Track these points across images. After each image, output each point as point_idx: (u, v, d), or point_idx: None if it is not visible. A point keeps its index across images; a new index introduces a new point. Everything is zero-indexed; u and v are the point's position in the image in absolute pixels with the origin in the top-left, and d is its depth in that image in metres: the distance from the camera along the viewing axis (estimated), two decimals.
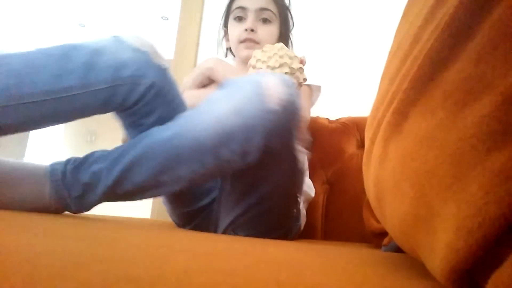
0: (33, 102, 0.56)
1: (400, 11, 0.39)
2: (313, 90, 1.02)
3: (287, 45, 1.11)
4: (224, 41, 1.15)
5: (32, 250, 0.22)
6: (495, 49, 0.18)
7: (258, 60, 0.79)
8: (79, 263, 0.19)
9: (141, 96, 0.64)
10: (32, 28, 4.05)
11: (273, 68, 0.77)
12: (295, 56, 0.80)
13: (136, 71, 0.62)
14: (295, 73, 0.78)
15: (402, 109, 0.26)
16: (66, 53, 0.59)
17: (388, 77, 0.32)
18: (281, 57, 0.78)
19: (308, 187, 0.93)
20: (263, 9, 1.00)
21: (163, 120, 0.67)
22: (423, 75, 0.24)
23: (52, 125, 0.62)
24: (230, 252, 0.33)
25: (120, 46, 0.63)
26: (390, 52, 0.38)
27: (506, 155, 0.16)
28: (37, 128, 0.61)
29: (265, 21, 1.01)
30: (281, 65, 0.77)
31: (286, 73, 0.78)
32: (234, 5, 1.03)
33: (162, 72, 0.67)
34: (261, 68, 0.78)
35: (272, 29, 1.02)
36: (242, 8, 1.01)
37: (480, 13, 0.19)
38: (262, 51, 0.80)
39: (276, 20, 1.03)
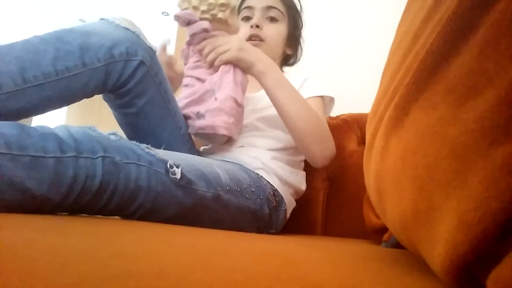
0: (36, 85, 0.57)
1: (402, 7, 0.39)
2: (326, 102, 0.99)
3: (296, 46, 1.10)
4: None
5: (31, 246, 0.21)
6: (498, 43, 0.18)
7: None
8: (79, 259, 0.19)
9: (133, 72, 0.66)
10: (32, 24, 4.04)
11: (196, 7, 0.78)
12: None
13: (128, 48, 0.65)
14: (214, 8, 0.79)
15: (404, 104, 0.26)
16: (60, 36, 0.60)
17: (390, 72, 0.32)
18: None
19: (298, 180, 0.92)
20: (269, 7, 1.01)
21: (153, 102, 0.71)
22: (425, 70, 0.23)
23: (56, 108, 0.63)
24: (231, 248, 0.33)
25: (109, 26, 0.65)
26: (391, 47, 0.38)
27: (508, 149, 0.15)
28: (42, 113, 0.62)
29: (272, 19, 1.01)
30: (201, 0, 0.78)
31: (203, 11, 0.78)
32: (243, 6, 1.05)
33: (151, 52, 0.69)
34: (187, 8, 0.79)
35: (279, 28, 1.02)
36: (249, 8, 1.02)
37: (483, 7, 0.19)
38: None
39: (284, 19, 1.03)
